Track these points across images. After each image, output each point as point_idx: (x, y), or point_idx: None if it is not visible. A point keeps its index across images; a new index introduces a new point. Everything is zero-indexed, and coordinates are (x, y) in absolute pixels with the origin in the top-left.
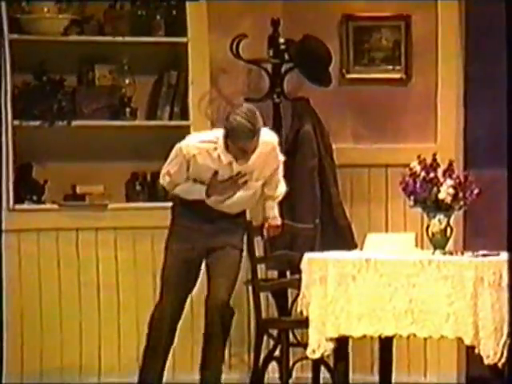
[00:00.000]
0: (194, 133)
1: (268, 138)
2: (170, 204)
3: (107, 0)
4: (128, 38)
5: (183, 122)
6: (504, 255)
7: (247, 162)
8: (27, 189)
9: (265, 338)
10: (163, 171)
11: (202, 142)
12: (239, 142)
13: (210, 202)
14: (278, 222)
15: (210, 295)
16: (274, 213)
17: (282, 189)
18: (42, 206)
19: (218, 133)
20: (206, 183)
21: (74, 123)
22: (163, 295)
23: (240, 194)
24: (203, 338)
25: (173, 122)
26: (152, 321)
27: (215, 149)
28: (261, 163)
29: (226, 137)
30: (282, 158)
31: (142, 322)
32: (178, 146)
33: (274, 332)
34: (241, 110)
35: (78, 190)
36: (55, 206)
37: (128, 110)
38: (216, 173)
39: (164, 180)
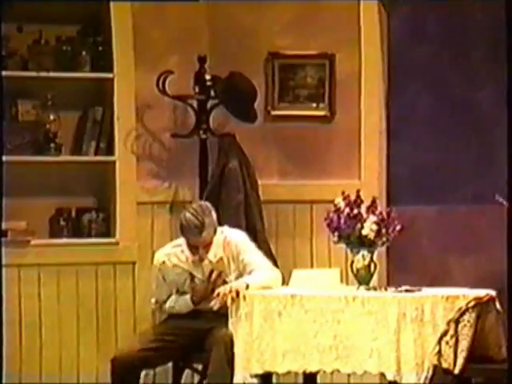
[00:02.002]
0: (119, 168)
1: (232, 236)
2: (94, 240)
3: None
4: (53, 74)
5: (109, 158)
6: (426, 291)
7: (206, 255)
8: None
9: (190, 372)
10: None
11: (170, 248)
12: (188, 237)
13: (201, 307)
14: (241, 286)
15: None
16: (246, 278)
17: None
18: None
19: None
20: (188, 291)
21: None
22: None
23: None
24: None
25: (98, 158)
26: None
27: (182, 251)
28: (228, 260)
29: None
30: (251, 251)
31: (65, 360)
32: None
33: (199, 366)
34: (191, 206)
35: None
36: None
37: (52, 145)
38: (192, 277)
39: (152, 304)
